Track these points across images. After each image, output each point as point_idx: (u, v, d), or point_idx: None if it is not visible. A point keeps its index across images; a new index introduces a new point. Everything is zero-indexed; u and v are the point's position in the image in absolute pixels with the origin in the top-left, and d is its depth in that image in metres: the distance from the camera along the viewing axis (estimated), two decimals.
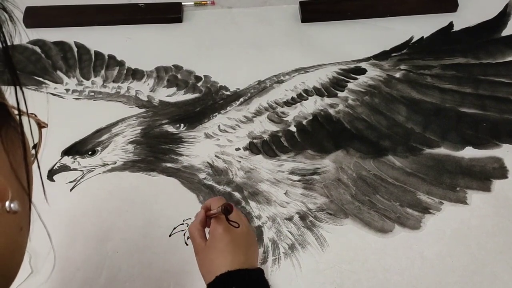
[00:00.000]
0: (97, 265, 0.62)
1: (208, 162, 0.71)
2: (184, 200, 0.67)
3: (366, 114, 0.76)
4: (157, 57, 0.85)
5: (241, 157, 0.71)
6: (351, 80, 0.80)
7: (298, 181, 0.69)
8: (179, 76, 0.83)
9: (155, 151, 0.72)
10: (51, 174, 0.70)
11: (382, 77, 0.81)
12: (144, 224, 0.65)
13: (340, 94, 0.78)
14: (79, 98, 0.80)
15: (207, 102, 0.79)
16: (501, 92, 0.78)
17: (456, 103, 0.77)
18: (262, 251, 0.62)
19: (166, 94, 0.80)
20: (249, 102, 0.78)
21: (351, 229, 0.64)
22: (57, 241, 0.64)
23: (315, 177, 0.69)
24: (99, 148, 0.72)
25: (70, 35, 0.88)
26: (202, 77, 0.82)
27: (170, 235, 0.64)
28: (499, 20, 0.88)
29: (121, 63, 0.85)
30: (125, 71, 0.84)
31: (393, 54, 0.84)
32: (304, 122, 0.75)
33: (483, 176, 0.68)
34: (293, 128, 0.74)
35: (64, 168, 0.71)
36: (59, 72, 0.84)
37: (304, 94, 0.78)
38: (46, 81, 0.82)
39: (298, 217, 0.65)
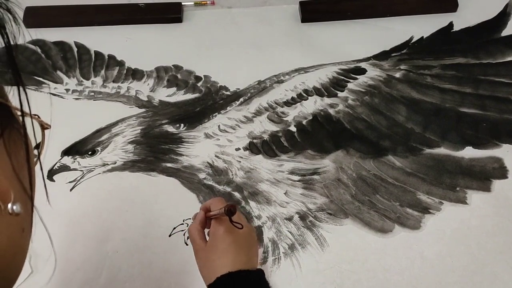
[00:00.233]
0: (97, 265, 0.62)
1: (208, 162, 0.71)
2: (184, 200, 0.67)
3: (366, 114, 0.76)
4: (157, 57, 0.85)
5: (241, 157, 0.71)
6: (351, 80, 0.80)
7: (298, 181, 0.69)
8: (179, 76, 0.83)
9: (155, 151, 0.72)
10: (51, 174, 0.70)
11: (382, 77, 0.81)
12: (144, 224, 0.65)
13: (340, 94, 0.78)
14: (79, 98, 0.80)
15: (207, 102, 0.79)
16: (501, 92, 0.78)
17: (456, 103, 0.77)
18: (262, 251, 0.62)
19: (166, 94, 0.80)
20: (249, 102, 0.78)
21: (351, 229, 0.64)
22: (57, 241, 0.63)
23: (315, 177, 0.69)
24: (99, 148, 0.72)
25: (70, 35, 0.88)
26: (202, 77, 0.82)
27: (170, 235, 0.64)
28: (499, 20, 0.88)
29: (121, 63, 0.85)
30: (125, 71, 0.84)
31: (393, 54, 0.84)
32: (304, 122, 0.75)
33: (483, 176, 0.68)
34: (293, 128, 0.74)
35: (64, 168, 0.70)
36: (59, 72, 0.84)
37: (304, 94, 0.78)
38: (46, 81, 0.82)
39: (298, 217, 0.65)
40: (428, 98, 0.77)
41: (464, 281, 0.59)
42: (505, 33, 0.86)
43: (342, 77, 0.81)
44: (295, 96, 0.78)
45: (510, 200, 0.66)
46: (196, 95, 0.80)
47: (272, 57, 0.85)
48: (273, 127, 0.75)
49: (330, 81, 0.80)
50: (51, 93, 0.80)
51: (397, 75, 0.81)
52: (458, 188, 0.67)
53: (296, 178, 0.69)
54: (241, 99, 0.79)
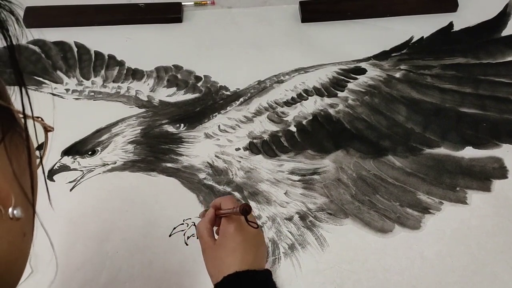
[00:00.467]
0: (97, 265, 0.62)
1: (208, 162, 0.71)
2: (184, 200, 0.67)
3: (366, 114, 0.76)
4: (157, 57, 0.85)
5: (241, 157, 0.71)
6: (351, 80, 0.80)
7: (298, 181, 0.69)
8: (179, 76, 0.83)
9: (155, 151, 0.72)
10: (51, 174, 0.70)
11: (382, 77, 0.81)
12: (144, 224, 0.65)
13: (340, 94, 0.78)
14: (79, 98, 0.80)
15: (207, 102, 0.79)
16: (501, 92, 0.78)
17: (456, 103, 0.77)
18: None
19: (166, 94, 0.80)
20: (249, 102, 0.78)
21: (351, 229, 0.64)
22: (57, 241, 0.63)
23: (315, 177, 0.69)
24: (99, 148, 0.72)
25: (70, 35, 0.88)
26: (202, 77, 0.82)
27: (170, 235, 0.64)
28: (499, 20, 0.88)
29: (121, 63, 0.85)
30: (125, 71, 0.84)
31: (393, 54, 0.84)
32: (304, 122, 0.75)
33: (483, 176, 0.68)
34: (293, 128, 0.74)
35: (64, 168, 0.70)
36: (59, 72, 0.84)
37: (304, 94, 0.78)
38: (46, 81, 0.82)
39: (298, 217, 0.65)
40: (428, 98, 0.77)
41: (464, 281, 0.59)
42: (505, 33, 0.86)
43: (342, 77, 0.81)
44: (295, 96, 0.78)
45: (510, 200, 0.66)
46: (196, 95, 0.80)
47: (272, 57, 0.85)
48: (273, 127, 0.75)
49: (330, 81, 0.80)
50: (50, 93, 0.80)
51: (397, 75, 0.81)
52: (458, 188, 0.67)
53: (296, 178, 0.69)
54: (241, 99, 0.79)
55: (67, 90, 0.81)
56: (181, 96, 0.80)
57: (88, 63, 0.85)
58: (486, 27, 0.87)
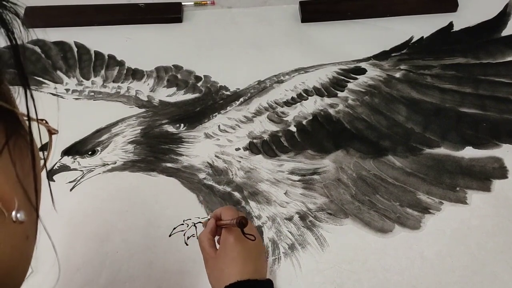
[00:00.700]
0: (97, 265, 0.62)
1: (208, 162, 0.71)
2: (184, 200, 0.67)
3: (366, 114, 0.76)
4: (157, 57, 0.85)
5: (241, 157, 0.71)
6: (351, 80, 0.80)
7: (298, 181, 0.69)
8: (179, 76, 0.83)
9: (155, 151, 0.72)
10: (51, 174, 0.70)
11: (382, 77, 0.81)
12: (144, 224, 0.65)
13: (340, 94, 0.78)
14: (79, 98, 0.80)
15: (207, 102, 0.79)
16: (501, 92, 0.78)
17: (456, 103, 0.77)
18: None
19: (166, 94, 0.80)
20: (249, 102, 0.78)
21: (351, 229, 0.64)
22: (57, 241, 0.63)
23: (315, 177, 0.69)
24: (99, 148, 0.72)
25: (70, 35, 0.88)
26: (202, 77, 0.82)
27: (170, 235, 0.64)
28: (499, 20, 0.88)
29: (121, 63, 0.85)
30: (125, 71, 0.84)
31: (393, 54, 0.84)
32: (304, 122, 0.75)
33: (483, 176, 0.68)
34: (293, 128, 0.74)
35: (64, 168, 0.70)
36: (59, 72, 0.84)
37: (304, 94, 0.78)
38: (46, 81, 0.82)
39: (298, 217, 0.65)
40: (428, 98, 0.77)
41: (464, 281, 0.59)
42: (505, 33, 0.86)
43: (342, 77, 0.81)
44: (295, 96, 0.78)
45: (510, 200, 0.66)
46: (196, 95, 0.80)
47: (272, 57, 0.85)
48: (273, 127, 0.75)
49: (330, 81, 0.80)
50: (51, 93, 0.80)
51: (397, 75, 0.81)
52: (458, 188, 0.67)
53: (296, 178, 0.69)
54: (241, 99, 0.79)
55: (67, 90, 0.81)
56: (181, 96, 0.80)
57: (88, 63, 0.85)
58: (486, 27, 0.87)
